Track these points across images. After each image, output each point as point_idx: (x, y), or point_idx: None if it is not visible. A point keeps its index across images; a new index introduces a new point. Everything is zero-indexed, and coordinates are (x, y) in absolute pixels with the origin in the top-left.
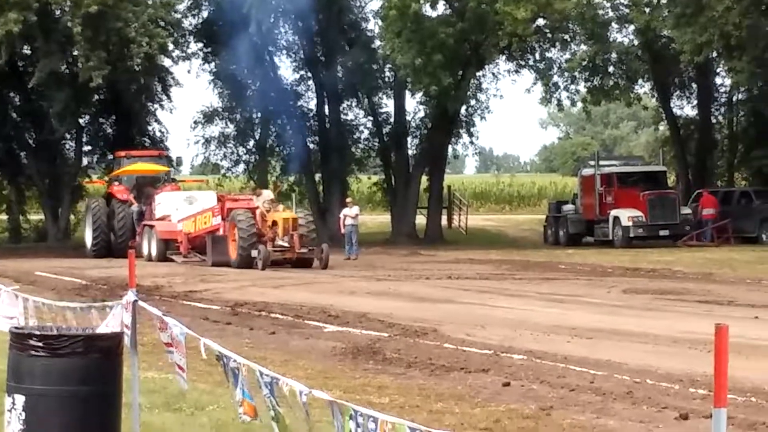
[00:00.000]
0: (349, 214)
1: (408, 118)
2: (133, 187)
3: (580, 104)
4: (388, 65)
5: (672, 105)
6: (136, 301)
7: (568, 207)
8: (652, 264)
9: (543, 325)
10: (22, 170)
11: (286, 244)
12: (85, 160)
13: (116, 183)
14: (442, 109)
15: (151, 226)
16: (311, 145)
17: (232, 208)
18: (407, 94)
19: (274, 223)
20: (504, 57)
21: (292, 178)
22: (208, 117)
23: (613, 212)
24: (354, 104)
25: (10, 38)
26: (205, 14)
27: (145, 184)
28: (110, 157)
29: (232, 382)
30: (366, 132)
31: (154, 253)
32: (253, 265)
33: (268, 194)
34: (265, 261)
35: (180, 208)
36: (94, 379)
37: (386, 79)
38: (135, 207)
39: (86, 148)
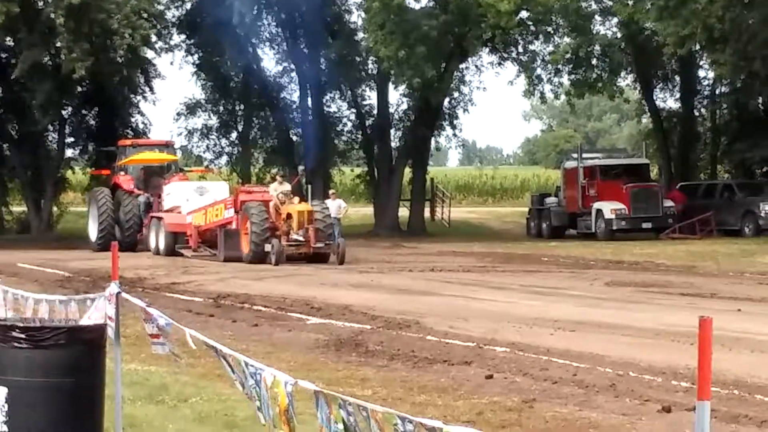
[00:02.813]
0: (331, 206)
1: (391, 110)
2: (139, 177)
3: (563, 97)
4: (372, 57)
5: (655, 98)
6: (119, 293)
7: (551, 199)
8: (634, 257)
9: (526, 318)
10: (5, 162)
11: (301, 239)
12: (68, 152)
13: (122, 173)
14: (425, 102)
15: (159, 218)
16: (294, 138)
17: (246, 200)
18: (390, 86)
19: (289, 216)
20: (487, 49)
21: (275, 170)
22: (191, 109)
23: (596, 205)
24: (337, 96)
25: None
26: (188, 6)
27: (152, 173)
28: (92, 148)
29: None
30: (349, 124)
31: (161, 246)
32: (267, 260)
33: (286, 185)
34: (279, 256)
35: (190, 199)
36: (77, 371)
37: (369, 72)
38: (142, 198)
39: (69, 139)
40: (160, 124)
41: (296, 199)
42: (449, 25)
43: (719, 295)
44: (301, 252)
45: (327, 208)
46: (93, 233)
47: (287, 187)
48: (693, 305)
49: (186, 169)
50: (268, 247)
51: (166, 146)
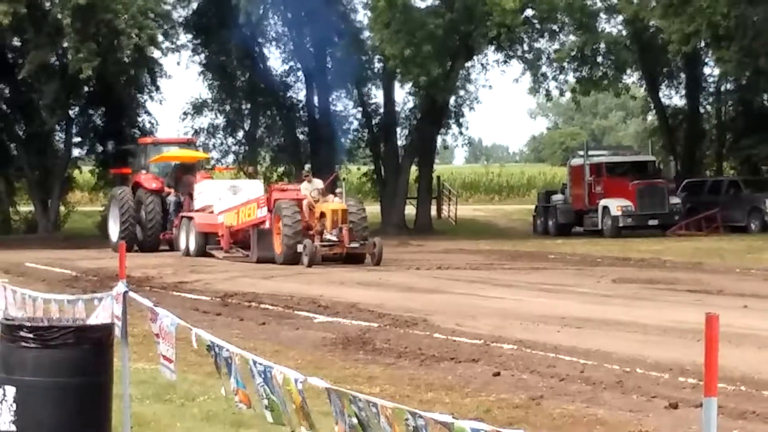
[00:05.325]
0: None
1: (397, 108)
2: (171, 175)
3: (568, 94)
4: (377, 56)
5: (660, 95)
6: (126, 292)
7: (558, 197)
8: (641, 253)
9: (533, 315)
10: (12, 162)
11: (334, 238)
12: (75, 152)
13: (143, 171)
14: (431, 100)
15: (190, 218)
16: (301, 136)
17: (279, 198)
18: (396, 84)
19: (322, 215)
20: (493, 47)
21: (282, 169)
22: (198, 108)
23: (602, 202)
24: (343, 95)
25: None
26: (194, 6)
27: (184, 172)
28: (100, 149)
29: (226, 372)
30: (356, 123)
31: (192, 247)
32: (300, 261)
33: (318, 183)
34: (312, 257)
35: (223, 198)
36: (84, 370)
37: (375, 70)
38: (172, 197)
39: (76, 139)
40: (167, 123)
41: (331, 197)
42: (455, 24)
43: (726, 292)
44: (335, 252)
45: (363, 207)
46: (114, 233)
47: (318, 184)
48: (699, 302)
49: (208, 167)
50: (300, 248)
51: (188, 144)
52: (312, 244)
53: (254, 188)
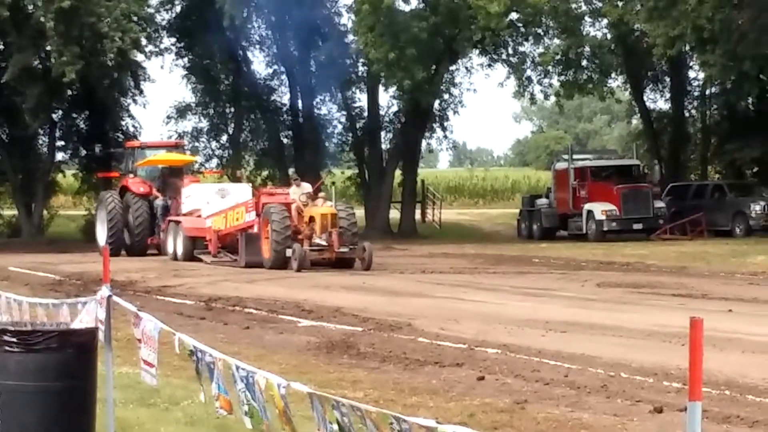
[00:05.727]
0: None
1: (381, 112)
2: (155, 179)
3: (553, 98)
4: (362, 60)
5: (645, 98)
6: (110, 296)
7: (542, 201)
8: (625, 257)
9: (517, 319)
10: None
11: (324, 243)
12: (58, 156)
13: (131, 175)
14: (416, 104)
15: (177, 222)
16: (285, 140)
17: (267, 202)
18: (380, 88)
19: (311, 219)
20: (477, 51)
21: (265, 173)
22: (181, 112)
23: (587, 206)
24: (327, 99)
25: None
26: (178, 9)
27: (171, 175)
28: (84, 153)
29: (207, 377)
30: (340, 126)
31: (179, 251)
32: (289, 266)
33: (306, 187)
34: (301, 261)
35: (211, 202)
36: (68, 374)
37: (359, 74)
38: (160, 201)
39: (59, 143)
40: (151, 127)
41: (320, 201)
42: (439, 27)
43: (710, 296)
44: (324, 257)
45: (353, 211)
46: (102, 237)
47: (307, 188)
48: (684, 306)
49: (194, 170)
50: (289, 252)
51: (176, 147)
52: (301, 249)
53: (242, 192)
